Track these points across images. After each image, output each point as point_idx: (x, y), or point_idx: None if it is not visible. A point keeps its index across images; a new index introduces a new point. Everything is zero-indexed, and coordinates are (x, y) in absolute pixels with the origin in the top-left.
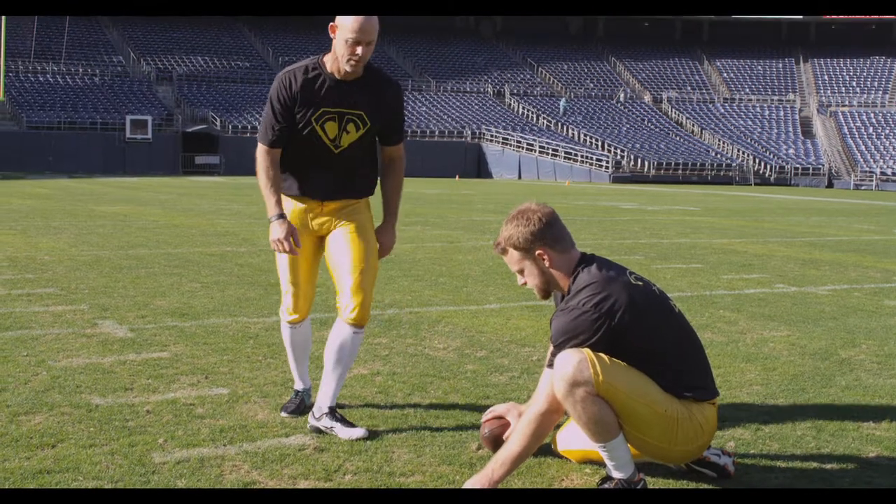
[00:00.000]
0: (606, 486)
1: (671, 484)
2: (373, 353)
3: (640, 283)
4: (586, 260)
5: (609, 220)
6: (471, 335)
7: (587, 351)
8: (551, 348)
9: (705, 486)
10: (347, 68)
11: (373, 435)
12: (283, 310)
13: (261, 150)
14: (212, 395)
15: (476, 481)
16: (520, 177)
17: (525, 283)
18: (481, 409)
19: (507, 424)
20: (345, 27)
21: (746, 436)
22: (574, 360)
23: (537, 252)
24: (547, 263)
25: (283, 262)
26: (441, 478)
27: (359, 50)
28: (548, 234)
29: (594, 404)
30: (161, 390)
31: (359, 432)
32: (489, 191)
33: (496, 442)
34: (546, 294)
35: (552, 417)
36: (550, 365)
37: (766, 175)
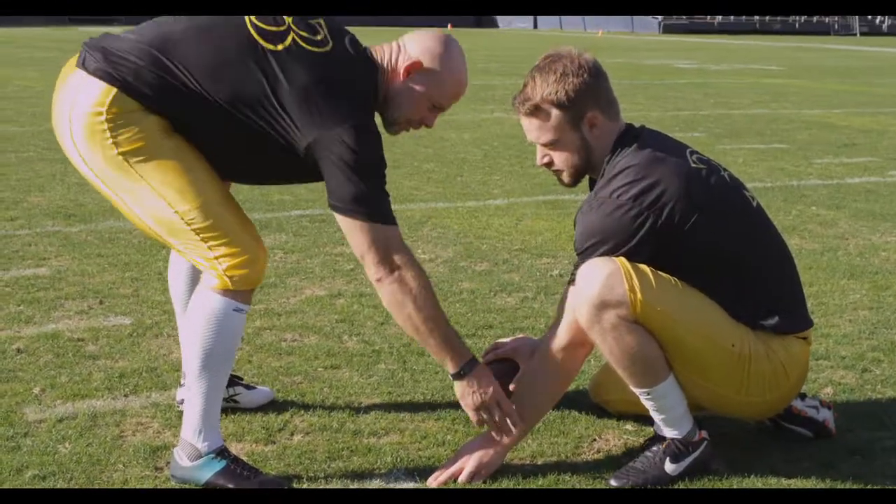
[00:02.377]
0: (654, 448)
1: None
2: (333, 266)
3: (704, 166)
4: (631, 133)
5: (658, 84)
6: (468, 241)
7: (621, 261)
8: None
9: (719, 484)
10: (397, 131)
11: (333, 380)
12: (229, 279)
13: (396, 241)
14: (108, 327)
15: (480, 445)
16: (535, 25)
17: (549, 162)
18: (482, 342)
19: (516, 368)
20: (443, 84)
21: (849, 380)
22: (602, 274)
23: (588, 114)
24: (596, 132)
25: (205, 195)
26: (425, 437)
27: (436, 120)
28: (602, 92)
29: (630, 333)
30: (38, 320)
31: (265, 393)
32: (494, 45)
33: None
34: (578, 178)
35: (578, 354)
36: (573, 282)
37: (877, 22)
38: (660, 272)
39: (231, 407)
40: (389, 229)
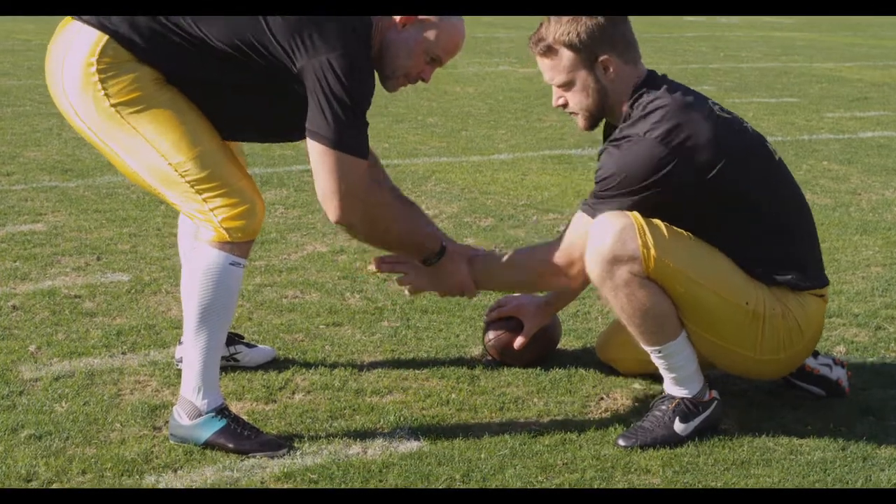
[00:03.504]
0: (663, 407)
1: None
2: None
3: (728, 115)
4: (656, 79)
5: (667, 37)
6: (472, 197)
7: (634, 215)
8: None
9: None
10: (394, 86)
11: (335, 338)
12: (226, 231)
13: (359, 171)
14: (106, 284)
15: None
16: None
17: (564, 104)
18: (486, 299)
19: (520, 327)
20: (440, 35)
21: (862, 337)
22: (614, 228)
23: (602, 57)
24: (611, 76)
25: (201, 142)
26: (429, 396)
27: (432, 74)
28: (618, 34)
29: (642, 289)
30: (34, 277)
31: (266, 352)
32: None
33: (505, 351)
34: (594, 122)
35: (555, 280)
36: (586, 210)
37: None
38: (674, 227)
39: (231, 366)
40: (359, 162)
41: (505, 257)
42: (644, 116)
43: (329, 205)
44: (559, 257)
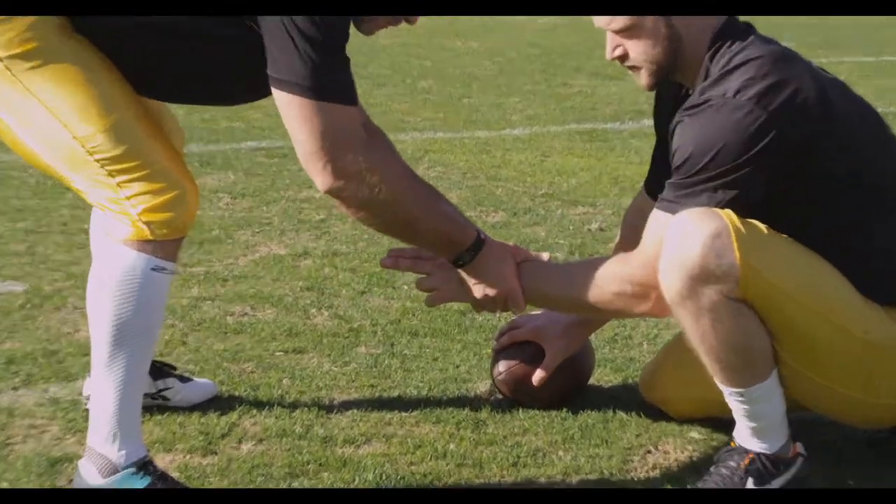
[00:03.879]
0: (732, 464)
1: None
2: (296, 216)
3: (830, 76)
4: (736, 26)
5: None
6: (477, 184)
7: (728, 215)
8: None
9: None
10: (371, 28)
11: (296, 369)
12: (146, 226)
13: (356, 126)
14: None
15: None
16: None
17: (622, 55)
18: (495, 320)
19: (541, 355)
20: None
21: None
22: (704, 233)
23: None
24: (686, 20)
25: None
26: (421, 446)
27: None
28: None
29: (733, 316)
30: None
31: (204, 387)
32: None
33: (520, 387)
34: (658, 79)
35: (633, 304)
36: (655, 198)
37: None
38: (775, 231)
39: (159, 405)
40: (347, 110)
41: (562, 268)
42: (730, 71)
43: (313, 167)
44: (639, 273)
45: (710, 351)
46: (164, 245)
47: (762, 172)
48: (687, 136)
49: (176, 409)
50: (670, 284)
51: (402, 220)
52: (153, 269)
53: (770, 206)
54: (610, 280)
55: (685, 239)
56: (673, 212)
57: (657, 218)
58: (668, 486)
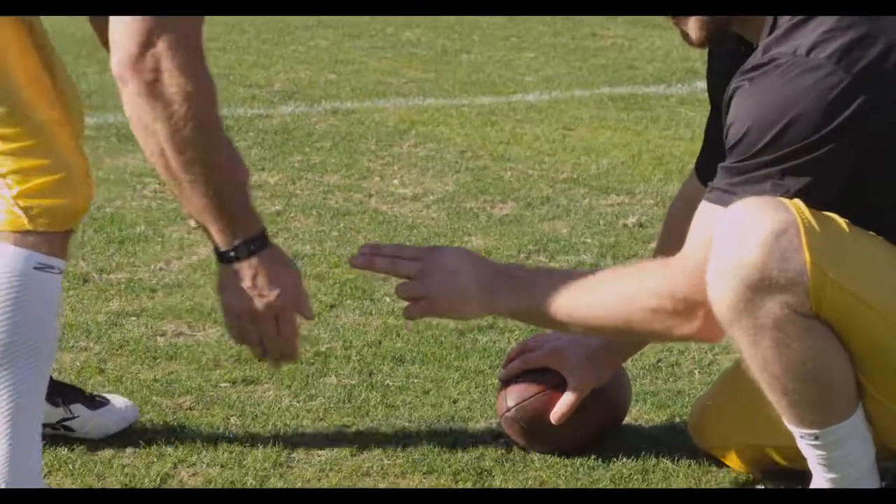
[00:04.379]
0: None
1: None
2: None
3: None
4: None
5: None
6: (480, 165)
7: (797, 206)
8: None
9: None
10: None
11: (248, 404)
12: (24, 213)
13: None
14: None
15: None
16: None
17: None
18: (504, 341)
19: (561, 387)
20: None
21: None
22: (767, 228)
23: None
24: None
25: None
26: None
27: None
28: None
29: (804, 335)
30: None
31: (121, 412)
32: None
33: (535, 427)
34: (714, 34)
35: (675, 325)
36: (705, 183)
37: None
38: (854, 226)
39: (64, 437)
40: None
41: (585, 278)
42: (802, 22)
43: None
44: (682, 284)
45: (774, 381)
46: (48, 238)
47: (843, 153)
48: (745, 106)
49: (86, 444)
50: (722, 297)
51: (182, 165)
52: (36, 269)
53: (848, 198)
54: (645, 293)
55: (740, 238)
56: (725, 204)
57: (706, 211)
58: None
